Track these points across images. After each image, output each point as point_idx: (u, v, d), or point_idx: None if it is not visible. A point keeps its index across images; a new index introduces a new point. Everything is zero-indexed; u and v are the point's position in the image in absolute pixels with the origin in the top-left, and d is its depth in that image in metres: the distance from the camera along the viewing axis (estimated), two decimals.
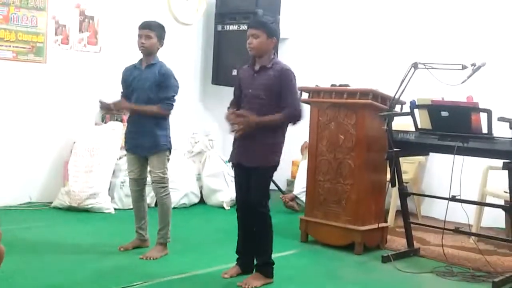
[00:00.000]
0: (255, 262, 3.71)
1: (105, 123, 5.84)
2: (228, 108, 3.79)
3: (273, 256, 3.70)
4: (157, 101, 4.04)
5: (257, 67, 3.61)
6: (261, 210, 3.57)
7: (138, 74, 4.12)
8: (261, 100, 3.52)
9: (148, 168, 4.16)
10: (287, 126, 3.63)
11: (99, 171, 5.45)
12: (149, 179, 4.20)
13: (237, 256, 3.78)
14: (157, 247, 4.12)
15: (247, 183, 3.61)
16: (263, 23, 3.59)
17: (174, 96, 4.10)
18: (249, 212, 3.62)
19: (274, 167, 3.63)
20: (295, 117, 3.54)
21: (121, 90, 4.27)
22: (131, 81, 4.15)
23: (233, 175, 3.86)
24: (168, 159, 4.18)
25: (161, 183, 4.09)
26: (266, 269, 3.65)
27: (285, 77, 3.52)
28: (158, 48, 4.12)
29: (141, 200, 4.26)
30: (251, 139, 3.53)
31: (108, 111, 4.04)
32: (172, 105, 4.10)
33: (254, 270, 3.69)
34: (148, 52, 4.07)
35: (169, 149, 4.17)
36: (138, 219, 4.26)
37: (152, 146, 4.07)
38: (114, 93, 5.79)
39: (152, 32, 4.04)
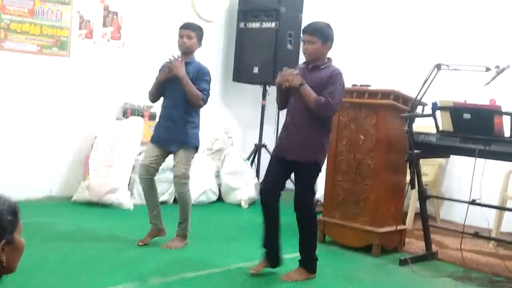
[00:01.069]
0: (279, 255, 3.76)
1: (126, 118, 5.87)
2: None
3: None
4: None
5: (310, 66, 3.72)
6: (307, 208, 3.65)
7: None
8: None
9: (173, 163, 4.25)
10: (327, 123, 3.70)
11: (119, 166, 5.48)
12: (168, 175, 4.23)
13: (264, 250, 3.77)
14: (178, 238, 4.28)
15: (282, 179, 3.68)
16: (318, 28, 3.67)
17: (209, 90, 4.24)
18: (274, 206, 3.68)
19: (321, 164, 3.70)
20: (326, 108, 3.56)
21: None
22: (168, 80, 4.24)
23: (267, 168, 3.86)
24: (193, 157, 4.28)
25: (183, 179, 4.19)
26: (310, 264, 3.73)
27: (333, 77, 3.62)
28: (197, 48, 4.29)
29: (151, 189, 4.31)
30: (298, 134, 3.61)
31: (174, 65, 4.15)
32: (208, 97, 4.22)
33: (298, 264, 3.75)
34: (188, 51, 4.23)
35: (197, 148, 4.30)
36: (151, 209, 4.32)
37: (181, 142, 4.19)
38: (136, 88, 5.91)
39: (193, 33, 4.22)
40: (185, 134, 4.19)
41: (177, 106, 4.20)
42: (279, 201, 3.71)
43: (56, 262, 3.73)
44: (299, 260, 3.76)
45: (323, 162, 3.75)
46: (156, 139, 4.29)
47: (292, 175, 3.76)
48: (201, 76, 4.20)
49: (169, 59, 4.21)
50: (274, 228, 3.72)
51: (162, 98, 4.37)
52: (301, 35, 3.77)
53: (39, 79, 5.48)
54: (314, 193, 3.74)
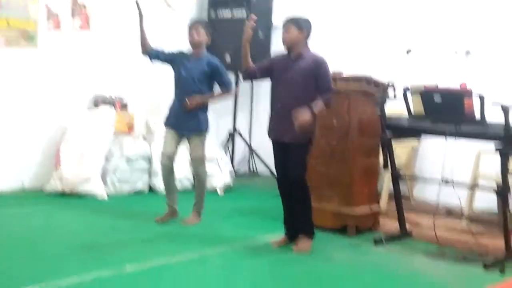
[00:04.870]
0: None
1: (98, 108, 5.81)
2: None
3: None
4: (205, 89, 4.53)
5: (293, 55, 4.00)
6: (302, 183, 4.00)
7: (187, 63, 4.55)
8: (298, 84, 3.94)
9: (189, 148, 4.65)
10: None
11: (91, 156, 5.44)
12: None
13: (285, 227, 4.16)
14: (193, 215, 4.66)
15: (285, 158, 4.00)
16: (293, 18, 4.02)
17: (229, 77, 4.67)
18: (290, 186, 4.02)
19: (311, 141, 4.03)
20: (330, 96, 3.96)
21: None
22: (179, 68, 4.55)
23: (272, 151, 4.17)
24: (206, 139, 4.65)
25: (201, 161, 4.59)
26: (309, 228, 4.06)
27: (319, 64, 3.96)
28: (206, 43, 4.57)
29: (172, 175, 4.64)
30: (287, 117, 3.86)
31: (190, 106, 4.53)
32: (232, 84, 4.70)
33: (299, 234, 4.06)
34: (198, 45, 4.53)
35: (208, 132, 4.66)
36: (169, 193, 4.68)
37: (195, 128, 4.54)
38: (107, 78, 5.85)
39: (200, 27, 4.53)
40: (196, 120, 4.52)
41: (190, 94, 4.49)
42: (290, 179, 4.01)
43: (30, 254, 3.69)
44: (299, 228, 4.05)
45: (313, 137, 4.05)
46: (170, 123, 4.60)
47: None
48: (217, 71, 4.55)
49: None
50: (291, 208, 4.11)
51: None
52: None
53: (7, 72, 5.39)
54: (306, 168, 4.02)
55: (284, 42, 4.00)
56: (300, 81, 3.94)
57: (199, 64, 4.52)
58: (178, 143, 4.60)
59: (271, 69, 4.11)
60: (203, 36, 4.52)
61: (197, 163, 4.60)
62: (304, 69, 3.94)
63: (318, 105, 3.88)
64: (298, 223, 4.09)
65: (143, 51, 4.58)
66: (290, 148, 3.98)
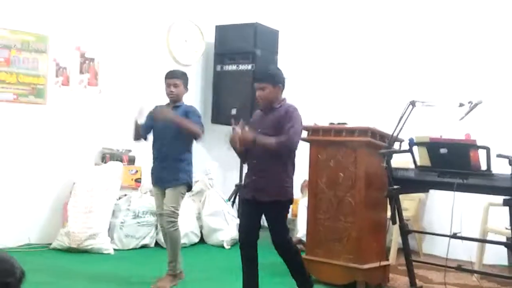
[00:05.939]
0: None
1: (105, 163, 5.84)
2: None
3: None
4: (182, 139, 4.33)
5: (265, 110, 3.84)
6: (287, 245, 3.77)
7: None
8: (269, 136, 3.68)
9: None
10: (285, 156, 3.75)
11: (99, 211, 5.43)
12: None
13: None
14: (167, 277, 4.32)
15: (256, 220, 3.75)
16: (266, 75, 3.83)
17: (201, 122, 4.41)
18: (253, 249, 3.74)
19: (291, 201, 3.81)
20: (286, 146, 3.68)
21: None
22: (157, 124, 4.38)
23: (239, 211, 3.92)
24: (183, 196, 4.39)
25: (171, 217, 4.26)
26: (306, 283, 3.90)
27: (289, 112, 3.73)
28: (184, 94, 4.47)
29: None
30: (265, 175, 3.69)
31: (159, 116, 4.32)
32: (203, 128, 4.38)
33: None
34: (177, 99, 4.41)
35: (189, 185, 4.41)
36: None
37: (172, 179, 4.32)
38: (114, 133, 5.90)
39: (178, 80, 4.40)
40: (176, 171, 4.32)
41: (169, 145, 4.34)
42: (257, 243, 3.76)
43: None
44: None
45: (293, 194, 3.83)
46: (155, 181, 4.46)
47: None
48: (191, 114, 4.37)
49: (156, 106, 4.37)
50: (253, 272, 3.80)
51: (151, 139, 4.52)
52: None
53: (16, 128, 5.45)
54: (288, 229, 3.81)
55: (261, 101, 3.81)
56: (272, 134, 3.67)
57: (177, 113, 4.34)
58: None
59: None
60: (181, 89, 4.41)
61: (167, 218, 4.26)
62: (274, 121, 3.73)
63: (266, 139, 3.65)
64: (296, 280, 3.91)
65: (136, 139, 4.53)
66: (269, 209, 3.73)
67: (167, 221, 4.26)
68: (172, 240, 4.31)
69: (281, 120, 3.71)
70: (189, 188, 4.46)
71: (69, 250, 5.28)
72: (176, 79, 4.40)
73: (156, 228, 5.71)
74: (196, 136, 4.35)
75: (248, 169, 3.89)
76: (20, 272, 1.95)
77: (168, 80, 4.40)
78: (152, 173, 4.51)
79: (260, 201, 3.71)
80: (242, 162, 3.99)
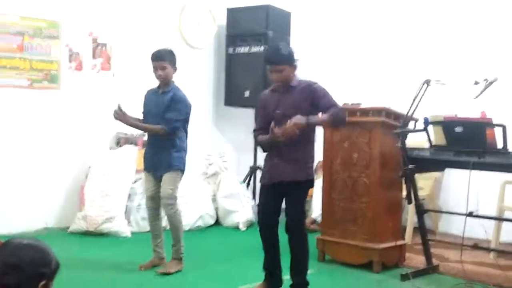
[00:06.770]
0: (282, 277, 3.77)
1: (120, 147, 5.88)
2: (254, 133, 3.87)
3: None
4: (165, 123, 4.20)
5: (281, 89, 3.70)
6: (301, 231, 3.66)
7: (154, 98, 4.34)
8: (290, 119, 3.52)
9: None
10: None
11: (115, 195, 5.48)
12: None
13: (265, 272, 3.79)
14: (172, 262, 4.28)
15: (278, 204, 3.68)
16: (282, 57, 3.64)
17: (179, 120, 4.22)
18: (274, 231, 3.67)
19: (313, 182, 3.72)
20: (340, 118, 3.60)
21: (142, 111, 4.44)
22: (148, 105, 4.38)
23: (260, 194, 3.87)
24: (180, 179, 4.30)
25: (169, 199, 4.20)
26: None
27: (314, 89, 3.65)
28: (173, 74, 4.31)
29: (157, 218, 4.39)
30: (285, 156, 3.62)
31: (118, 118, 4.25)
32: (176, 127, 4.21)
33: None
34: (166, 82, 4.28)
35: (182, 171, 4.30)
36: (154, 238, 4.40)
37: (166, 166, 4.23)
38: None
39: (165, 62, 4.22)
40: (169, 158, 4.22)
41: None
42: (278, 226, 3.71)
43: None
44: (290, 285, 3.72)
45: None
46: (147, 166, 4.39)
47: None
48: (173, 105, 4.22)
49: (118, 107, 4.21)
50: (275, 253, 3.75)
51: None
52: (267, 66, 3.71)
53: (31, 113, 5.49)
54: (305, 215, 3.75)
55: (277, 82, 3.68)
56: (292, 115, 3.51)
57: (165, 98, 4.24)
58: (158, 183, 4.28)
59: (268, 116, 3.71)
60: (169, 71, 4.23)
61: (166, 201, 4.19)
62: (295, 101, 3.61)
63: (318, 117, 3.58)
64: (293, 278, 3.71)
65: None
66: (289, 190, 3.63)
67: (165, 203, 4.21)
68: (173, 224, 4.25)
69: (302, 99, 3.60)
70: (182, 173, 4.33)
71: (86, 234, 5.34)
72: (162, 61, 4.21)
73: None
74: (160, 135, 4.21)
75: (270, 153, 3.77)
76: (55, 263, 1.90)
77: (154, 63, 4.22)
78: (144, 158, 4.44)
79: (286, 182, 3.62)
80: (266, 150, 3.82)
